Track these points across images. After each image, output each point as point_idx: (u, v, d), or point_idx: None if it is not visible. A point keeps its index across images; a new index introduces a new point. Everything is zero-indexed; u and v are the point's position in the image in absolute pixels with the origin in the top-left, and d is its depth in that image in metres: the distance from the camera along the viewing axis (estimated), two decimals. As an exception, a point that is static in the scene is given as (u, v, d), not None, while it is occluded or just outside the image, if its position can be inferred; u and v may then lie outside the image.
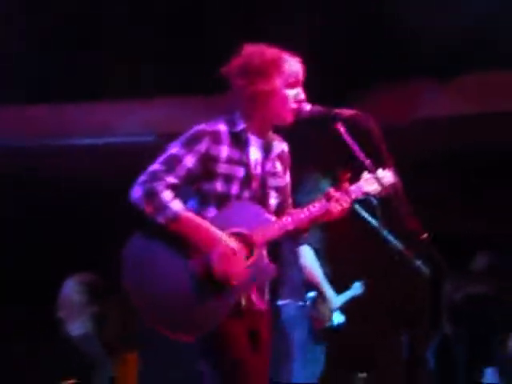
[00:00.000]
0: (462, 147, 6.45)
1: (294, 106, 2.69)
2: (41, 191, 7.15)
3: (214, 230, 2.58)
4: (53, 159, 7.12)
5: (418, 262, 3.52)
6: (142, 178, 2.61)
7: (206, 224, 2.58)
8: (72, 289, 6.70)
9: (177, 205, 2.56)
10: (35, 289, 7.06)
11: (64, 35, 6.23)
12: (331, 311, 4.75)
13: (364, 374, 5.84)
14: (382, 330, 6.51)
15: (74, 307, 6.63)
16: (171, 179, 2.59)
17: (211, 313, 2.54)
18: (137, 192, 2.58)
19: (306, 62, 2.71)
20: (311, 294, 4.68)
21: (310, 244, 4.54)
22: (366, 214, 3.87)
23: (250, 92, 2.70)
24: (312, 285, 4.67)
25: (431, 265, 3.58)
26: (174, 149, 2.67)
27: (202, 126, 2.69)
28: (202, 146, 2.65)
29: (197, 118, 2.78)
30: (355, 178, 2.82)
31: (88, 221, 7.12)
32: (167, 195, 2.57)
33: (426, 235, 2.48)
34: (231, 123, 2.73)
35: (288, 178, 2.88)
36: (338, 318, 4.84)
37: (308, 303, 4.66)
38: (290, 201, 2.90)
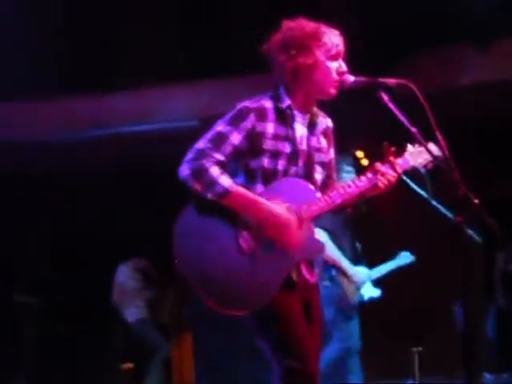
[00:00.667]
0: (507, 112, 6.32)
1: (336, 78, 2.68)
2: (82, 183, 7.23)
3: (265, 202, 2.58)
4: (91, 150, 7.17)
5: (470, 231, 3.46)
6: (189, 155, 2.61)
7: (257, 197, 2.59)
8: (126, 275, 6.80)
9: (226, 180, 2.57)
10: (89, 275, 7.17)
11: (98, 20, 6.22)
12: (357, 287, 4.70)
13: (419, 348, 5.82)
14: (433, 305, 6.47)
15: (129, 293, 6.75)
16: (218, 156, 2.60)
17: (264, 286, 2.55)
18: (185, 170, 2.59)
19: (347, 33, 2.68)
20: (331, 273, 4.66)
21: (321, 227, 4.51)
22: (413, 185, 3.82)
23: (292, 66, 2.67)
24: (329, 263, 4.63)
25: (484, 234, 3.52)
26: (220, 126, 2.66)
27: (246, 103, 2.68)
28: (248, 123, 2.64)
29: (239, 99, 2.77)
30: (400, 151, 2.78)
31: (137, 208, 7.17)
32: (215, 171, 2.57)
33: (477, 201, 2.44)
34: (276, 99, 2.71)
35: (332, 153, 2.87)
36: (370, 292, 4.79)
37: (328, 282, 4.63)
38: (334, 176, 2.88)
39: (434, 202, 3.68)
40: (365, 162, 6.73)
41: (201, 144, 2.63)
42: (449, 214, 3.58)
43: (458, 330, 4.91)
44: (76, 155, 7.24)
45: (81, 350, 7.21)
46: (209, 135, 2.65)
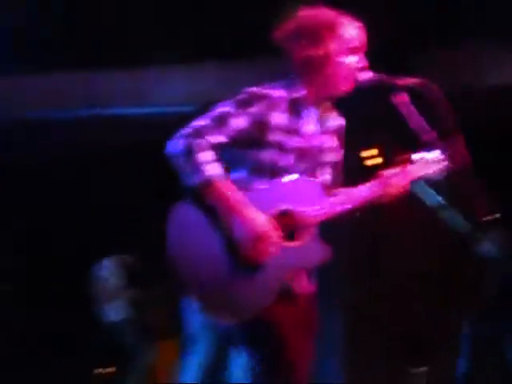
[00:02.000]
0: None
1: (351, 73, 2.71)
2: (64, 168, 7.23)
3: (247, 206, 2.55)
4: (80, 132, 7.17)
5: (488, 245, 3.50)
6: (186, 130, 2.59)
7: (239, 197, 2.55)
8: (109, 270, 6.82)
9: (214, 168, 2.54)
10: (71, 269, 7.20)
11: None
12: None
13: (424, 369, 5.86)
14: (444, 321, 6.52)
15: (111, 290, 6.76)
16: (218, 137, 2.57)
17: (258, 296, 2.56)
18: (175, 145, 2.57)
19: (368, 27, 2.70)
20: None
21: None
22: (428, 191, 3.85)
23: (302, 57, 2.70)
24: None
25: (503, 249, 3.57)
26: (226, 107, 2.64)
27: (257, 89, 2.67)
28: (257, 110, 2.63)
29: (247, 85, 2.76)
30: (412, 158, 2.81)
31: (126, 199, 7.19)
32: (207, 156, 2.54)
33: (497, 216, 2.49)
34: (289, 88, 2.72)
35: (341, 154, 2.90)
36: None
37: None
38: (340, 179, 2.90)
39: (450, 211, 3.71)
40: (377, 160, 6.78)
41: (201, 121, 2.61)
42: (466, 226, 3.62)
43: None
44: (59, 137, 7.24)
45: (54, 351, 7.23)
46: (211, 114, 2.63)
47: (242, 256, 2.56)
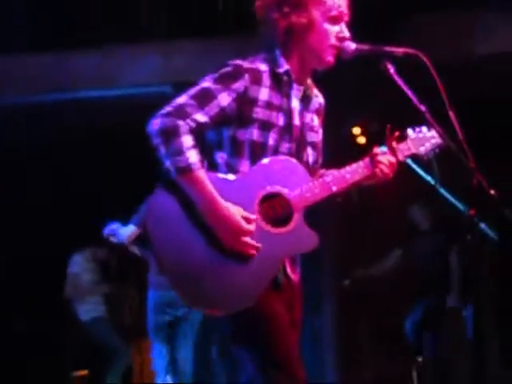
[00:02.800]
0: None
1: (335, 43, 2.69)
2: (34, 154, 7.19)
3: (220, 201, 2.55)
4: (53, 115, 7.13)
5: (485, 226, 3.51)
6: (168, 108, 2.56)
7: (216, 195, 2.54)
8: (81, 266, 6.77)
9: (193, 156, 2.53)
10: (42, 266, 7.16)
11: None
12: None
13: (420, 358, 5.97)
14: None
15: (84, 287, 6.72)
16: (200, 117, 2.56)
17: (247, 286, 2.55)
18: (155, 124, 2.54)
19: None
20: None
21: None
22: (419, 170, 3.85)
23: (285, 25, 2.67)
24: None
25: (500, 228, 3.57)
26: (207, 82, 2.61)
27: (240, 62, 2.65)
28: (241, 85, 2.61)
29: (221, 63, 2.74)
30: (403, 136, 2.80)
31: (98, 186, 7.15)
32: (187, 141, 2.53)
33: (494, 192, 2.48)
34: (273, 63, 2.70)
35: (321, 134, 2.88)
36: None
37: None
38: (321, 160, 2.87)
39: (442, 191, 3.71)
40: (362, 139, 6.78)
41: (182, 99, 2.58)
42: (460, 206, 3.63)
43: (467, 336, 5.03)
44: (28, 121, 7.20)
45: (26, 354, 7.21)
46: (193, 91, 2.60)
47: (225, 249, 2.56)
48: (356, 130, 6.73)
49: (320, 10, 2.69)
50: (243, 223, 2.56)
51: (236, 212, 2.56)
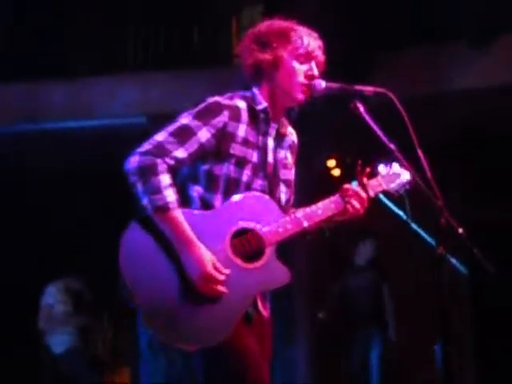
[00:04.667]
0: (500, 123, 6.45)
1: (304, 81, 2.72)
2: (8, 185, 7.16)
3: (195, 243, 2.58)
4: (24, 146, 7.11)
5: (455, 262, 3.55)
6: (146, 146, 2.60)
7: (192, 237, 2.58)
8: (55, 297, 6.72)
9: (171, 195, 2.56)
10: (10, 296, 7.10)
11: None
12: None
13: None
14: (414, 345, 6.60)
15: (58, 319, 6.67)
16: (179, 153, 2.60)
17: (219, 322, 2.56)
18: (133, 162, 2.57)
19: (321, 30, 2.72)
20: None
21: None
22: (391, 205, 3.90)
23: (252, 62, 2.74)
24: None
25: (470, 264, 3.61)
26: (186, 119, 2.66)
27: (219, 99, 2.70)
28: (220, 121, 2.65)
29: (196, 95, 2.76)
30: (373, 172, 2.83)
31: (69, 217, 7.12)
32: (165, 179, 2.56)
33: (462, 230, 2.51)
34: (250, 100, 2.75)
35: (293, 172, 2.91)
36: None
37: None
38: (293, 198, 2.88)
39: (414, 226, 3.76)
40: (336, 172, 6.81)
41: (161, 136, 2.62)
42: (430, 241, 3.67)
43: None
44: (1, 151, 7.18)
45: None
46: (172, 128, 2.64)
47: (196, 289, 2.57)
48: (331, 163, 6.75)
49: (287, 48, 2.75)
50: (215, 273, 2.58)
51: (209, 259, 2.58)
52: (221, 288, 2.58)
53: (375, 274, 6.52)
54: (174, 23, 6.39)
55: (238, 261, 2.63)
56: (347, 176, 2.88)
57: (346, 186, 2.81)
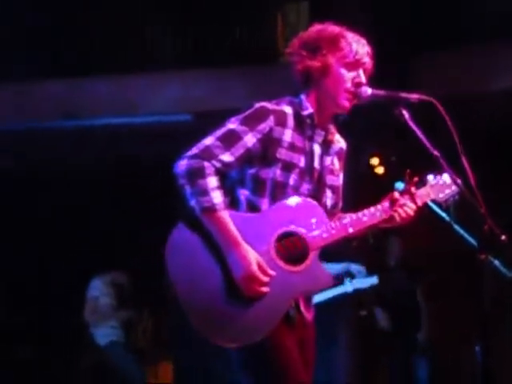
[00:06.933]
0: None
1: (351, 88, 2.73)
2: (51, 181, 7.24)
3: (240, 243, 2.63)
4: (67, 143, 7.19)
5: (498, 265, 3.55)
6: (194, 151, 2.67)
7: (238, 237, 2.63)
8: (100, 290, 6.80)
9: (218, 196, 2.63)
10: (56, 288, 7.21)
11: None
12: None
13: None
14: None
15: (102, 311, 6.76)
16: (226, 157, 2.66)
17: (259, 321, 2.60)
18: (182, 165, 2.65)
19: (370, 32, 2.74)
20: None
21: None
22: (438, 210, 3.90)
23: (301, 68, 2.77)
24: None
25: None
26: (233, 124, 2.72)
27: (265, 104, 2.75)
28: (266, 126, 2.71)
29: (240, 92, 2.78)
30: (422, 179, 2.83)
31: (115, 213, 7.21)
32: (212, 182, 2.64)
33: (505, 237, 2.52)
34: (297, 105, 2.79)
35: (342, 178, 2.94)
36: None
37: None
38: (340, 204, 2.93)
39: (457, 228, 3.75)
40: (380, 169, 6.78)
41: (208, 141, 2.69)
42: (473, 243, 3.66)
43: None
44: (44, 148, 7.28)
45: (42, 376, 7.24)
46: (219, 132, 2.70)
47: (239, 288, 2.62)
48: (374, 161, 6.73)
49: (336, 55, 2.77)
50: (259, 273, 2.63)
51: (254, 259, 2.63)
52: (264, 289, 2.63)
53: (405, 273, 6.40)
54: (219, 20, 6.41)
55: (282, 263, 2.67)
56: (391, 174, 2.88)
57: (395, 194, 2.83)
